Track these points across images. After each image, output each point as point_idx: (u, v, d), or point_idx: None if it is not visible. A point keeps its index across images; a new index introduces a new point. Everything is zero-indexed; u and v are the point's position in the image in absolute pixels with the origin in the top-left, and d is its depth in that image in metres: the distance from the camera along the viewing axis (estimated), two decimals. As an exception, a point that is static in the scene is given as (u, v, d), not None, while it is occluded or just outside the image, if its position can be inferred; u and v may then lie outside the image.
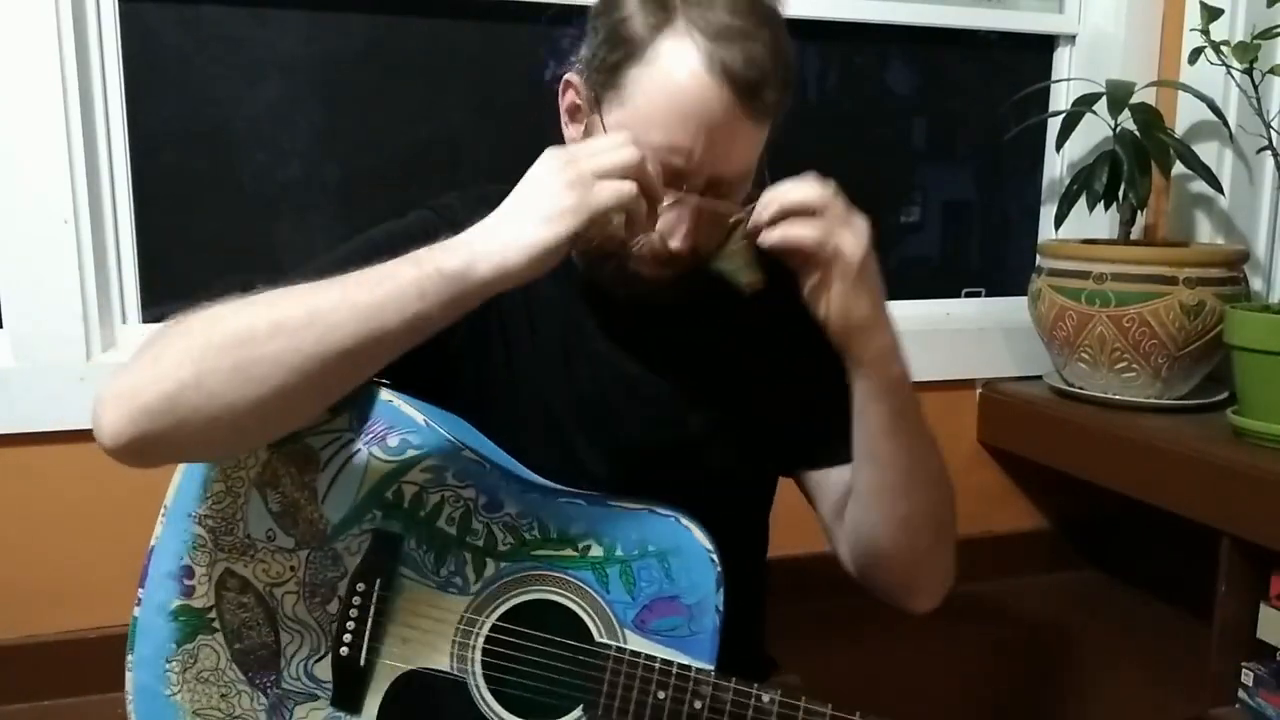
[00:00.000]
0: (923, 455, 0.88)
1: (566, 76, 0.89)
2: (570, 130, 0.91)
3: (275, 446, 0.85)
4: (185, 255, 1.47)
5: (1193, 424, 1.47)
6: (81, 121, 1.31)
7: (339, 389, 0.79)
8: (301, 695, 0.85)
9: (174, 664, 0.85)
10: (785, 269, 0.84)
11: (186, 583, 0.85)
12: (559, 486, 0.86)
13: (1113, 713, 1.38)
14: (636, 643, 0.80)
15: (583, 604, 0.82)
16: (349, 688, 0.84)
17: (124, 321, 1.42)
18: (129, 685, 0.85)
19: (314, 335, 0.72)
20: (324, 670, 0.85)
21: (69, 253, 1.31)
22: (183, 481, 0.86)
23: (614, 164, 0.74)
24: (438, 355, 0.86)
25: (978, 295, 1.88)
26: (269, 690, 0.85)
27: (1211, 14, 1.44)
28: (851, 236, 0.78)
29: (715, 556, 0.81)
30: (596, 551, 0.82)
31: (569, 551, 0.82)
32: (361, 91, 1.52)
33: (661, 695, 0.77)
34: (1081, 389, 1.61)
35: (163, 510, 0.86)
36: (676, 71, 0.78)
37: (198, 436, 0.74)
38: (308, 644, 0.85)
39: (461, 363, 0.91)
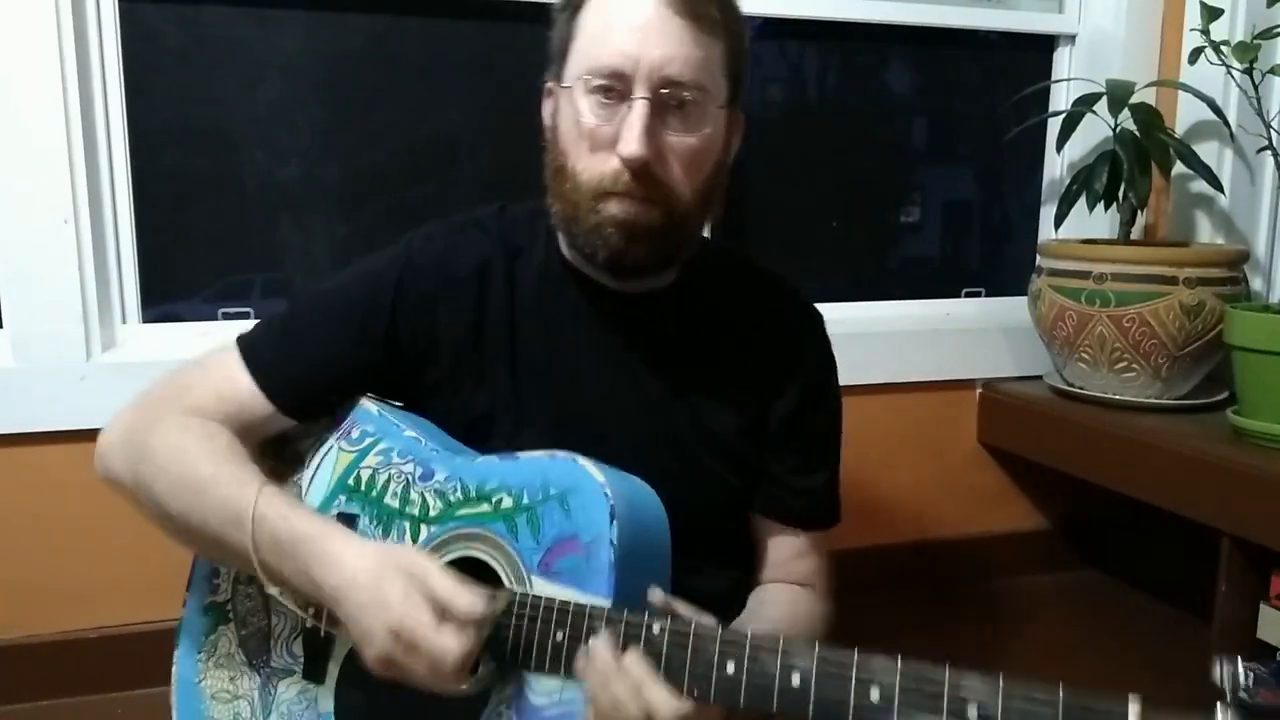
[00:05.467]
0: None
1: (546, 85, 0.91)
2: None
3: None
4: (185, 255, 1.47)
5: (1193, 424, 1.47)
6: (81, 121, 1.31)
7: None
8: (284, 671, 0.90)
9: (203, 654, 0.94)
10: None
11: (215, 581, 0.95)
12: (481, 449, 0.89)
13: (1113, 713, 1.38)
14: (541, 587, 0.79)
15: (497, 556, 0.82)
16: (314, 660, 0.89)
17: (124, 321, 1.42)
18: (173, 677, 0.95)
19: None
20: (299, 646, 0.90)
21: (69, 253, 1.31)
22: None
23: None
24: (417, 389, 0.93)
25: (978, 295, 1.89)
26: (261, 670, 0.91)
27: (1211, 14, 1.44)
28: None
29: (609, 490, 0.78)
30: (507, 503, 0.82)
31: (485, 507, 0.83)
32: (361, 91, 1.52)
33: (560, 636, 0.75)
34: (1081, 389, 1.61)
35: None
36: None
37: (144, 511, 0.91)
38: (289, 624, 0.90)
39: (450, 395, 0.93)
